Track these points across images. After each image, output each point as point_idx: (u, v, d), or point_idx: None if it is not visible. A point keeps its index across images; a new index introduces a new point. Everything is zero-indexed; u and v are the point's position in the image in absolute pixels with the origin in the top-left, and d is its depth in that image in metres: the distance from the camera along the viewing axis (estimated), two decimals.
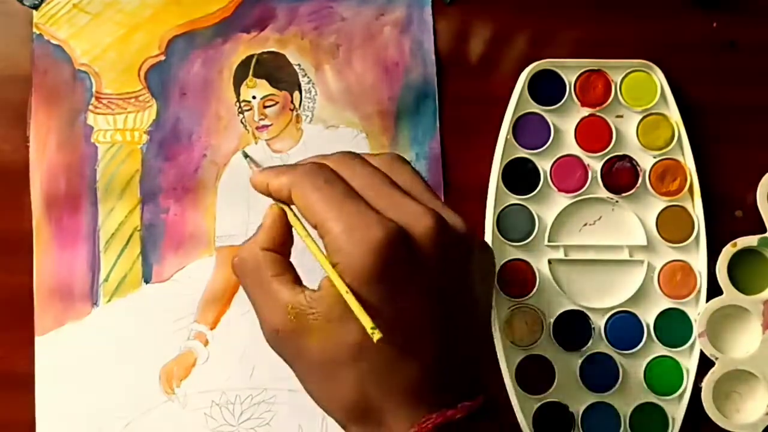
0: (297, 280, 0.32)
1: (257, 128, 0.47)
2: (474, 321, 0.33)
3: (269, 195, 0.34)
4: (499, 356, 0.45)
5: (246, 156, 0.43)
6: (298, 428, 0.44)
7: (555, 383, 0.44)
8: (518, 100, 0.46)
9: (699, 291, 0.45)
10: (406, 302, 0.30)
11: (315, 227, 0.31)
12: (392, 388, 0.30)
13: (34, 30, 0.47)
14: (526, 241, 0.45)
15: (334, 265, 0.30)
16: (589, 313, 0.45)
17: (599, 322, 0.45)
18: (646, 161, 0.46)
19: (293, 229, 0.34)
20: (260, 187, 0.34)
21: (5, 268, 0.46)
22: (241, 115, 0.47)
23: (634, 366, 0.45)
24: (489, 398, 0.31)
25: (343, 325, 0.29)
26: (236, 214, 0.46)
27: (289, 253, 0.34)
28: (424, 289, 0.30)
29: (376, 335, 0.28)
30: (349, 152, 0.34)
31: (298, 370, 0.32)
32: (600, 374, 0.45)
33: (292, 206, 0.33)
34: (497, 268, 0.45)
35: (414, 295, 0.30)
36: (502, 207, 0.46)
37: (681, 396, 0.45)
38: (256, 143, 0.47)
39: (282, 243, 0.34)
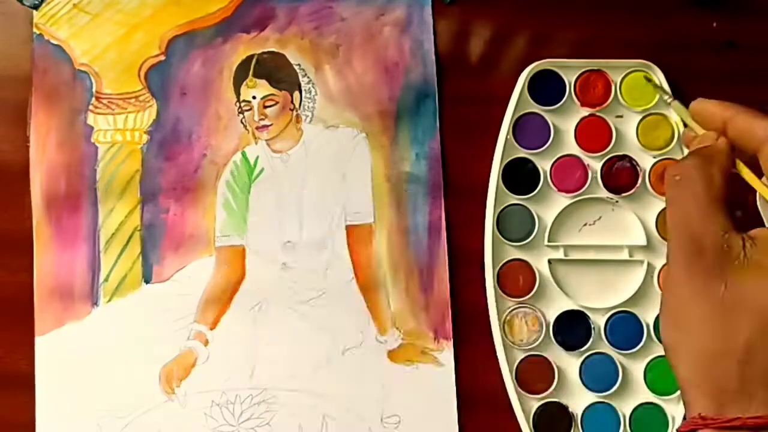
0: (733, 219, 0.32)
1: (257, 128, 0.47)
2: None
3: (712, 127, 0.34)
4: (499, 356, 0.45)
5: (649, 80, 0.43)
6: (298, 428, 0.44)
7: (555, 383, 0.44)
8: (518, 100, 0.46)
9: None
10: None
11: (756, 151, 0.31)
12: None
13: (34, 30, 0.47)
14: (526, 241, 0.45)
15: None
16: (589, 313, 0.45)
17: (599, 322, 0.45)
18: (645, 161, 0.46)
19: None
20: (709, 116, 0.34)
21: (5, 268, 0.46)
22: (241, 115, 0.47)
23: (634, 366, 0.45)
24: None
25: None
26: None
27: (726, 186, 0.33)
28: None
29: None
30: None
31: (692, 292, 0.30)
32: (600, 374, 0.45)
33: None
34: (497, 269, 0.45)
35: None
36: (502, 207, 0.46)
37: (681, 396, 0.45)
38: (256, 143, 0.47)
39: (728, 173, 0.33)
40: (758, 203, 0.46)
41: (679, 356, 0.30)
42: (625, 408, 0.45)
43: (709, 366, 0.29)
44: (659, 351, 0.45)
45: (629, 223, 0.46)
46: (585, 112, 0.46)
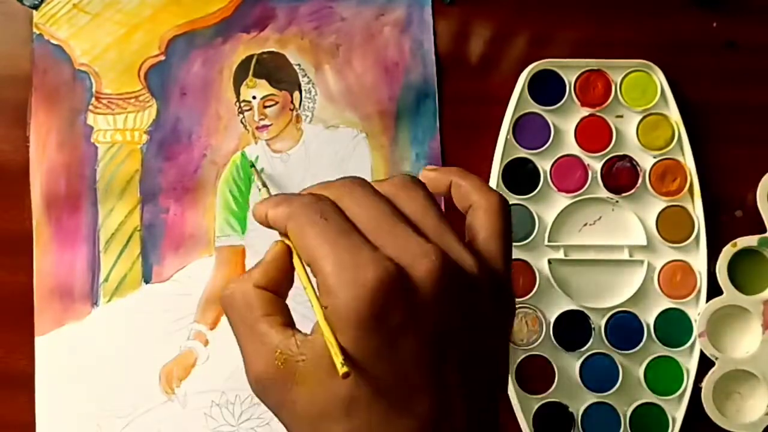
0: (289, 323, 0.29)
1: (257, 128, 0.47)
2: (484, 376, 0.29)
3: (269, 227, 0.31)
4: None
5: (252, 166, 0.42)
6: None
7: (555, 383, 0.44)
8: (518, 100, 0.46)
9: (699, 291, 0.45)
10: (401, 353, 0.26)
11: (309, 266, 0.28)
12: None
13: (34, 30, 0.47)
14: (526, 241, 0.45)
15: (324, 308, 0.27)
16: (589, 313, 0.45)
17: (599, 322, 0.45)
18: (646, 161, 0.46)
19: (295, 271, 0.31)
20: (259, 218, 0.32)
21: (5, 268, 0.46)
22: (241, 115, 0.47)
23: (634, 366, 0.45)
24: None
25: (334, 375, 0.26)
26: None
27: (285, 294, 0.31)
28: (423, 338, 0.26)
29: (343, 369, 0.25)
30: (354, 178, 0.31)
31: (285, 421, 0.29)
32: (600, 374, 0.45)
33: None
34: None
35: (411, 346, 0.26)
36: None
37: (681, 396, 0.45)
38: (256, 143, 0.47)
39: (279, 282, 0.31)
40: (758, 203, 0.46)
41: None
42: (625, 408, 0.45)
43: None
44: (659, 351, 0.45)
45: (629, 223, 0.46)
46: (585, 112, 0.46)
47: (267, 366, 0.28)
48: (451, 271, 0.27)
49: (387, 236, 0.27)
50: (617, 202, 0.46)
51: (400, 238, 0.27)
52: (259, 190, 0.42)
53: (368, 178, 0.45)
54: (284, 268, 0.31)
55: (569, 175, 0.46)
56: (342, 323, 0.26)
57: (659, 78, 0.46)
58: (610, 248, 0.46)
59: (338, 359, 0.25)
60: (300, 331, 0.28)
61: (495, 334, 0.29)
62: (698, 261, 0.45)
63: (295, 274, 0.31)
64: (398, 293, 0.26)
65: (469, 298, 0.28)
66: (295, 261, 0.31)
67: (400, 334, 0.26)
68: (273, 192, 0.44)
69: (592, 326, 0.45)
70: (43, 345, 0.45)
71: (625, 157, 0.46)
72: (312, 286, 0.29)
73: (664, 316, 0.45)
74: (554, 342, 0.45)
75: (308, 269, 0.29)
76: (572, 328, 0.45)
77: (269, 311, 0.29)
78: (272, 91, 0.47)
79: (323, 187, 0.31)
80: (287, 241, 0.31)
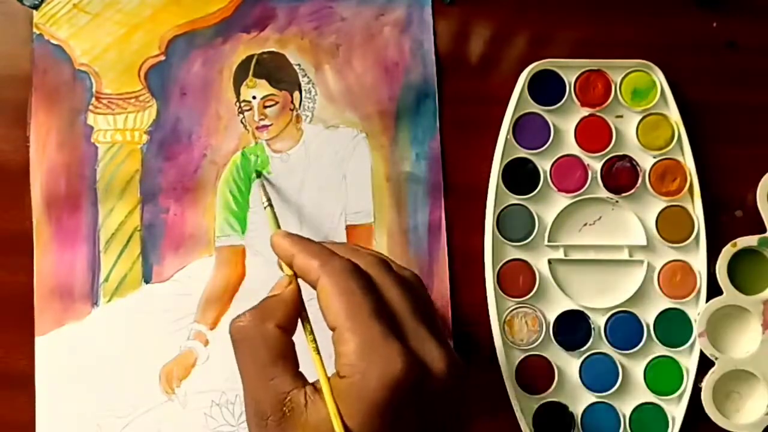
0: (298, 369, 0.31)
1: (257, 128, 0.47)
2: None
3: (287, 263, 0.33)
4: (499, 356, 0.45)
5: (259, 176, 0.42)
6: None
7: (555, 383, 0.44)
8: (518, 100, 0.46)
9: (699, 291, 0.45)
10: None
11: (332, 328, 0.30)
12: None
13: (34, 30, 0.47)
14: (526, 241, 0.45)
15: (340, 376, 0.29)
16: (589, 313, 0.45)
17: (599, 322, 0.45)
18: (646, 161, 0.46)
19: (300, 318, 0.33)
20: (282, 253, 0.33)
21: (5, 268, 0.46)
22: (241, 115, 0.47)
23: (634, 366, 0.45)
24: None
25: None
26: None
27: (295, 332, 0.32)
28: (417, 428, 0.29)
29: None
30: (382, 260, 0.33)
31: None
32: (600, 374, 0.45)
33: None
34: (497, 269, 0.45)
35: None
36: (502, 207, 0.46)
37: (681, 396, 0.45)
38: (256, 143, 0.47)
39: (295, 322, 0.32)
40: (758, 203, 0.46)
41: None
42: (625, 408, 0.45)
43: None
44: (659, 351, 0.45)
45: (629, 223, 0.46)
46: (585, 112, 0.46)
47: (273, 408, 0.29)
48: (456, 373, 0.30)
49: (411, 332, 0.30)
50: (617, 202, 0.46)
51: (421, 338, 0.30)
52: (264, 206, 0.41)
53: (368, 178, 0.46)
54: (298, 309, 0.33)
55: (569, 175, 0.46)
56: (356, 400, 0.28)
57: (659, 78, 0.46)
58: (610, 248, 0.46)
59: None
60: (308, 382, 0.30)
61: (456, 426, 0.32)
62: (698, 261, 0.45)
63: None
64: (416, 389, 0.28)
65: (459, 393, 0.31)
66: (304, 320, 0.32)
67: (403, 424, 0.28)
68: (275, 206, 0.43)
69: (592, 326, 0.45)
70: (43, 345, 0.45)
71: (625, 157, 0.46)
72: (319, 356, 0.31)
73: (664, 316, 0.45)
74: (554, 342, 0.45)
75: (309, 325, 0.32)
76: (572, 328, 0.45)
77: (286, 354, 0.31)
78: (272, 91, 0.47)
79: (353, 252, 0.33)
80: (294, 283, 0.33)
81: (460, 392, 0.31)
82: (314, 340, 0.32)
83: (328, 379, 0.30)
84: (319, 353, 0.31)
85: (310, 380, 0.31)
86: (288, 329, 0.32)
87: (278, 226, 0.40)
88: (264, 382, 0.30)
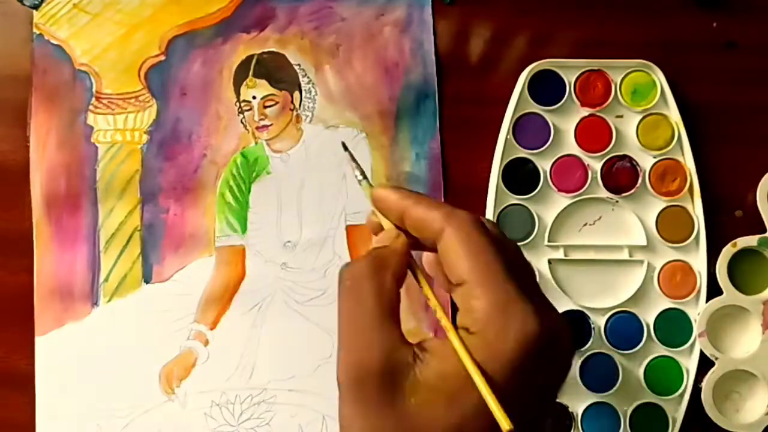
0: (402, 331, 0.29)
1: (257, 128, 0.47)
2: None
3: (393, 218, 0.30)
4: None
5: (346, 149, 0.35)
6: (298, 428, 0.44)
7: None
8: (518, 100, 0.46)
9: (699, 291, 0.45)
10: (522, 402, 0.27)
11: (459, 283, 0.28)
12: None
13: (34, 30, 0.47)
14: (526, 241, 0.45)
15: (470, 332, 0.27)
16: (589, 313, 0.45)
17: (599, 322, 0.45)
18: (646, 161, 0.46)
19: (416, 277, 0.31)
20: (389, 206, 0.30)
21: (5, 268, 0.46)
22: (241, 115, 0.47)
23: (634, 366, 0.45)
24: None
25: (449, 400, 0.26)
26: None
27: (401, 287, 0.30)
28: (539, 392, 0.28)
29: (506, 425, 0.25)
30: (495, 223, 0.31)
31: (362, 423, 0.27)
32: (600, 374, 0.45)
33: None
34: None
35: (531, 398, 0.27)
36: (502, 207, 0.46)
37: (681, 396, 0.45)
38: (256, 143, 0.47)
39: (404, 276, 0.30)
40: (758, 203, 0.46)
41: None
42: (625, 408, 0.45)
43: None
44: (659, 351, 0.45)
45: (629, 223, 0.46)
46: (585, 112, 0.46)
47: (381, 364, 0.27)
48: (572, 343, 0.29)
49: (537, 298, 0.28)
50: (617, 202, 0.46)
51: (546, 305, 0.29)
52: (359, 181, 0.35)
53: (368, 178, 0.46)
54: (407, 262, 0.30)
55: (569, 175, 0.46)
56: (488, 356, 0.26)
57: (659, 78, 0.46)
58: (610, 248, 0.46)
59: (503, 417, 0.25)
60: (414, 344, 0.28)
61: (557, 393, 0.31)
62: (698, 261, 0.45)
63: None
64: (548, 351, 0.27)
65: (564, 366, 0.30)
66: (420, 278, 0.30)
67: (527, 388, 0.27)
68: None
69: (592, 326, 0.45)
70: (43, 345, 0.45)
71: (625, 157, 0.46)
72: (442, 307, 0.29)
73: (664, 316, 0.45)
74: None
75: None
76: (572, 328, 0.45)
77: (396, 310, 0.28)
78: (272, 91, 0.47)
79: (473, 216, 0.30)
80: (406, 241, 0.30)
81: (570, 359, 0.31)
82: (432, 292, 0.29)
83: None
84: (441, 305, 0.29)
85: None
86: (400, 283, 0.29)
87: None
88: (371, 337, 0.27)
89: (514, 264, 0.28)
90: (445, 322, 0.28)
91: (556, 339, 0.28)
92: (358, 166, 0.35)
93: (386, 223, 0.31)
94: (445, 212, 0.29)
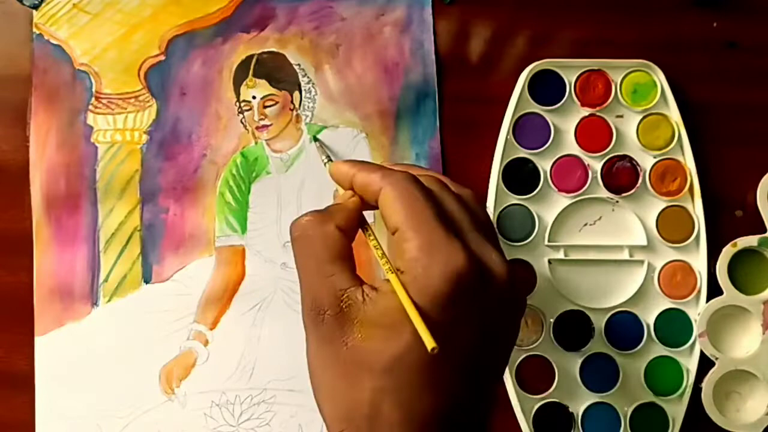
0: (355, 272, 0.32)
1: (257, 128, 0.47)
2: (498, 375, 0.34)
3: (346, 186, 0.34)
4: None
5: (316, 140, 0.43)
6: (298, 428, 0.44)
7: (555, 383, 0.44)
8: (518, 100, 0.46)
9: (699, 291, 0.45)
10: (457, 335, 0.29)
11: (393, 231, 0.31)
12: (409, 415, 0.29)
13: (34, 30, 0.47)
14: (526, 241, 0.45)
15: (401, 272, 0.29)
16: (589, 313, 0.45)
17: (599, 322, 0.45)
18: (646, 161, 0.46)
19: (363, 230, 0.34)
20: (341, 176, 0.34)
21: (5, 268, 0.46)
22: (241, 115, 0.47)
23: (634, 366, 0.45)
24: None
25: (389, 333, 0.29)
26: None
27: (353, 239, 0.33)
28: (478, 329, 0.30)
29: (432, 345, 0.27)
30: (439, 178, 0.34)
31: (320, 356, 0.31)
32: (600, 374, 0.45)
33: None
34: None
35: (466, 332, 0.30)
36: (502, 207, 0.46)
37: (681, 396, 0.45)
38: (255, 143, 0.47)
39: (353, 231, 0.33)
40: (758, 203, 0.46)
41: (325, 418, 0.31)
42: (625, 408, 0.45)
43: (346, 426, 0.30)
44: (659, 351, 0.45)
45: (629, 223, 0.46)
46: (585, 112, 0.46)
47: (331, 303, 0.30)
48: (513, 282, 0.31)
49: (471, 237, 0.31)
50: (617, 202, 0.46)
51: (481, 243, 0.31)
52: (325, 164, 0.42)
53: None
54: (358, 220, 0.33)
55: (569, 175, 0.46)
56: (417, 293, 0.29)
57: (659, 78, 0.46)
58: (610, 248, 0.46)
59: (428, 338, 0.28)
60: (365, 283, 0.31)
61: (512, 339, 0.34)
62: (698, 261, 0.45)
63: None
64: (476, 285, 0.29)
65: (517, 305, 0.33)
66: (369, 237, 0.33)
67: (463, 319, 0.29)
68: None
69: (592, 326, 0.45)
70: (43, 345, 0.45)
71: (625, 157, 0.46)
72: (383, 252, 0.32)
73: (664, 316, 0.45)
74: (554, 342, 0.45)
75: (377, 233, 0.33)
76: (572, 328, 0.45)
77: (344, 255, 0.31)
78: (272, 91, 0.47)
79: (411, 169, 0.34)
80: (355, 198, 0.34)
81: (520, 301, 0.33)
82: (376, 239, 0.33)
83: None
84: (382, 251, 0.32)
85: None
86: (347, 233, 0.32)
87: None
88: (322, 279, 0.31)
89: (451, 211, 0.32)
90: (384, 264, 0.31)
91: (490, 276, 0.30)
92: (325, 151, 0.41)
93: (341, 191, 0.35)
94: (383, 173, 0.32)
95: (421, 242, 0.29)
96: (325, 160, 0.42)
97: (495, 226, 0.45)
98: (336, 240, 0.32)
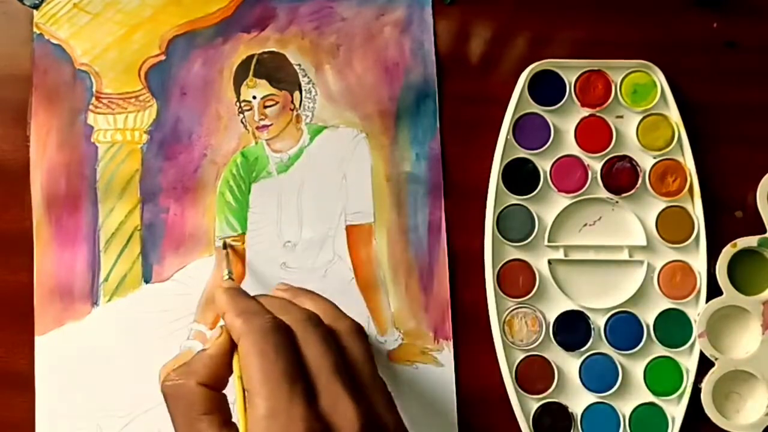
0: (227, 420, 0.33)
1: (257, 128, 0.47)
2: None
3: (217, 318, 0.35)
4: (499, 356, 0.45)
5: (225, 246, 0.44)
6: None
7: (555, 383, 0.44)
8: (518, 100, 0.46)
9: (699, 291, 0.45)
10: None
11: (245, 390, 0.32)
12: None
13: (35, 30, 0.47)
14: (526, 241, 0.45)
15: None
16: (589, 313, 0.45)
17: (599, 322, 0.45)
18: (646, 161, 0.46)
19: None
20: (217, 307, 0.35)
21: (5, 268, 0.46)
22: (241, 115, 0.47)
23: (633, 366, 0.45)
24: None
25: None
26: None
27: (225, 385, 0.34)
28: None
29: None
30: (312, 316, 0.34)
31: None
32: (600, 374, 0.45)
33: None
34: (497, 269, 0.45)
35: None
36: (502, 207, 0.46)
37: (681, 396, 0.45)
38: (256, 143, 0.47)
39: (221, 378, 0.34)
40: (758, 203, 0.46)
41: None
42: (625, 408, 0.45)
43: None
44: (659, 351, 0.45)
45: (629, 224, 0.46)
46: (585, 112, 0.46)
47: None
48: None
49: (325, 390, 0.31)
50: (617, 202, 0.46)
51: (336, 396, 0.31)
52: (224, 276, 0.43)
53: (368, 178, 0.46)
54: (227, 363, 0.34)
55: (569, 175, 0.46)
56: None
57: (659, 78, 0.46)
58: (610, 248, 0.46)
59: None
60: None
61: None
62: (698, 261, 0.45)
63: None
64: None
65: None
66: (236, 367, 0.34)
67: None
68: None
69: (592, 326, 0.45)
70: (43, 345, 0.45)
71: (625, 157, 0.46)
72: (244, 401, 0.32)
73: (664, 316, 0.45)
74: (554, 342, 0.45)
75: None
76: (572, 328, 0.45)
77: (210, 410, 0.32)
78: (272, 91, 0.47)
79: (283, 307, 0.34)
80: (229, 340, 0.34)
81: None
82: (243, 397, 0.33)
83: None
84: (245, 406, 0.32)
85: None
86: (212, 385, 0.33)
87: (231, 279, 0.43)
88: None
89: (311, 358, 0.32)
90: (240, 414, 0.32)
91: None
92: (229, 264, 0.43)
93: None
94: (244, 320, 0.32)
95: (265, 410, 0.30)
96: (226, 276, 0.43)
97: (494, 225, 0.45)
98: (200, 397, 0.33)
